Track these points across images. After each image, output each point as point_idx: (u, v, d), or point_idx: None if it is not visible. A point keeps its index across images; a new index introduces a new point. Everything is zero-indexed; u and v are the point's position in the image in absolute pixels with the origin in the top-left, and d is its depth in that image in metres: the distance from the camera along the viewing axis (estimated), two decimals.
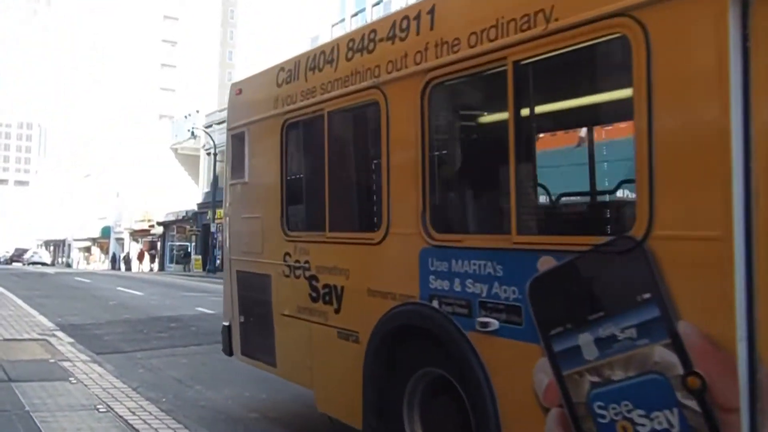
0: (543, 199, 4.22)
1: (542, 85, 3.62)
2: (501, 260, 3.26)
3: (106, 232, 59.54)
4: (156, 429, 4.90)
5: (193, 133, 42.09)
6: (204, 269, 38.64)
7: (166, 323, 12.43)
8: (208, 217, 39.35)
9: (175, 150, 50.52)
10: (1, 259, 69.97)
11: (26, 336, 9.26)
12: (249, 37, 70.58)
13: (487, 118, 4.22)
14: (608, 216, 4.10)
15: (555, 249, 3.00)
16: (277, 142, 5.20)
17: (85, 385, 6.23)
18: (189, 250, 46.00)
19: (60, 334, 9.67)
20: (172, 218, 48.13)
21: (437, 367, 3.76)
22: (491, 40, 3.31)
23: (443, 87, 3.77)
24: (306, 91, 4.86)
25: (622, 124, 3.87)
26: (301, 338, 4.84)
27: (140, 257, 51.03)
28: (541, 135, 4.50)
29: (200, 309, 15.17)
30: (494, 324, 3.27)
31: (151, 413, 5.31)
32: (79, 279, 29.39)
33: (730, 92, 2.35)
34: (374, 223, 4.16)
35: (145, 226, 51.34)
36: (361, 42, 4.30)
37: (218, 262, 37.97)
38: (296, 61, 5.08)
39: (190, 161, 49.15)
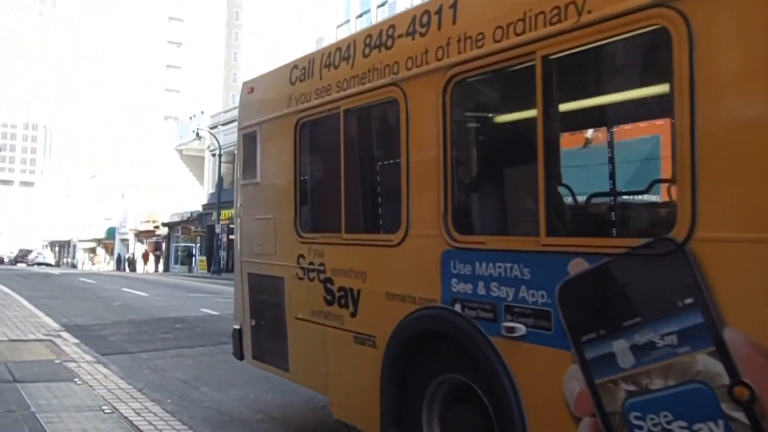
0: (573, 199, 4.08)
1: (573, 80, 3.49)
2: (528, 263, 3.13)
3: (111, 232, 59.63)
4: (161, 430, 4.89)
5: (197, 134, 42.15)
6: (209, 270, 38.61)
7: (171, 324, 12.37)
8: (212, 218, 39.34)
9: (180, 151, 50.58)
10: (6, 260, 70.15)
11: (31, 336, 9.26)
12: (254, 39, 70.53)
13: (513, 115, 4.08)
14: (645, 217, 3.96)
15: (587, 251, 2.87)
16: (291, 141, 5.08)
17: (90, 386, 6.23)
18: (192, 251, 45.99)
19: (65, 334, 9.68)
20: (177, 219, 48.15)
21: (459, 374, 3.63)
22: (518, 34, 3.18)
23: (466, 83, 3.64)
24: (321, 89, 4.74)
25: (659, 121, 3.74)
26: (316, 343, 4.72)
27: (145, 258, 51.07)
28: (572, 133, 4.37)
29: (205, 310, 15.11)
30: (521, 329, 3.14)
31: (156, 414, 5.31)
32: (84, 280, 29.36)
33: None
34: (393, 225, 4.03)
35: (150, 227, 51.37)
36: (379, 38, 4.18)
37: (223, 263, 38.02)
38: (310, 59, 4.96)
39: (194, 162, 49.19)
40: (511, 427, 3.20)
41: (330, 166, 4.77)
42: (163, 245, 51.05)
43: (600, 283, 2.82)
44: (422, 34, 3.81)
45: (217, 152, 39.70)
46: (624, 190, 4.26)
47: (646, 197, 4.15)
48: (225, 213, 37.53)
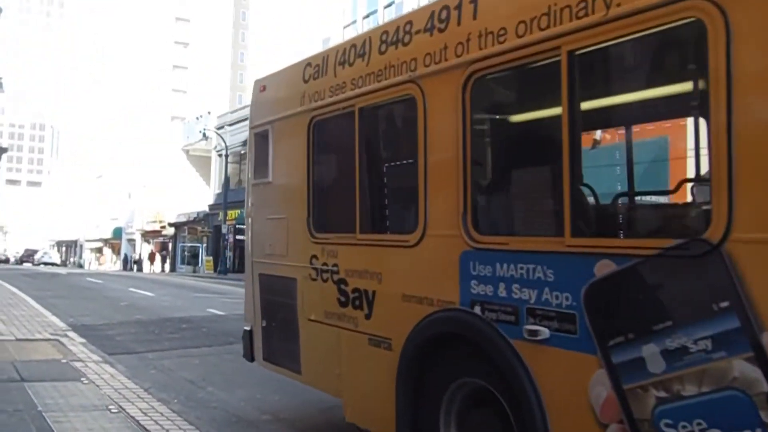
0: (600, 199, 3.97)
1: (600, 76, 3.39)
2: (552, 264, 3.04)
3: (118, 233, 59.79)
4: (168, 430, 4.85)
5: (204, 134, 42.23)
6: (215, 270, 38.61)
7: (177, 324, 12.33)
8: (219, 219, 39.35)
9: (187, 151, 50.67)
10: (12, 260, 70.38)
11: (38, 336, 9.24)
12: (261, 39, 70.62)
13: (536, 113, 3.98)
14: (676, 217, 3.85)
15: (615, 253, 2.79)
16: (304, 140, 4.99)
17: (97, 386, 6.21)
18: (197, 252, 46.04)
19: (72, 334, 9.66)
20: (183, 219, 48.22)
21: (478, 378, 3.54)
22: (542, 29, 3.09)
23: (487, 80, 3.55)
24: (335, 86, 4.65)
25: (689, 119, 3.64)
26: (329, 345, 4.63)
27: (151, 258, 51.14)
28: (598, 131, 4.28)
29: (211, 310, 15.07)
30: (544, 332, 3.05)
31: (162, 414, 5.28)
32: (90, 279, 29.35)
33: None
34: (409, 225, 3.95)
35: (156, 227, 51.48)
36: (396, 34, 4.09)
37: (229, 263, 38.03)
38: (324, 56, 4.88)
39: (201, 162, 49.25)
40: None
41: (344, 165, 4.68)
42: (170, 245, 51.13)
43: (629, 285, 2.73)
44: (441, 30, 3.72)
45: (223, 152, 39.74)
46: (652, 190, 4.16)
47: (678, 198, 4.04)
48: (231, 213, 37.56)
